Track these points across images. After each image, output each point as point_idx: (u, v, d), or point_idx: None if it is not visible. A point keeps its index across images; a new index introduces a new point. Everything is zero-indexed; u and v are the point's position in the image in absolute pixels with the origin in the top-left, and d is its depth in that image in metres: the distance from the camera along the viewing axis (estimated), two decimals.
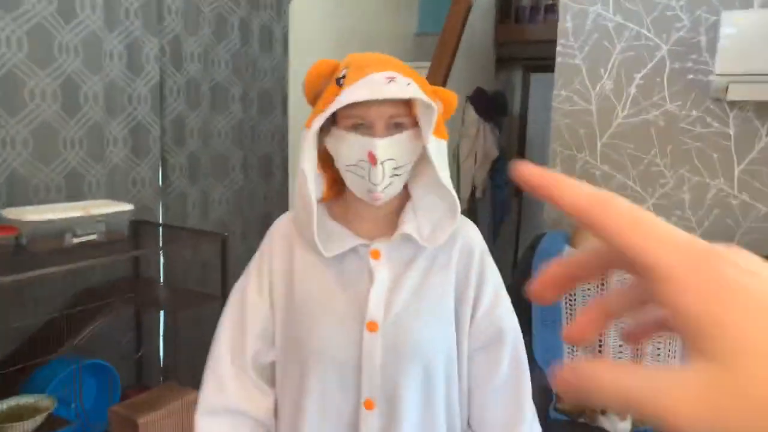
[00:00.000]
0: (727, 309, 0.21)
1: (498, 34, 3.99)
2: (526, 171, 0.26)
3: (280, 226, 0.97)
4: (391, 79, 0.80)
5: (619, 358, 1.89)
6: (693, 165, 2.10)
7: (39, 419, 1.46)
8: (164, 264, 2.17)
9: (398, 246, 0.91)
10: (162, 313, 2.16)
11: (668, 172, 2.14)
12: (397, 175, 0.85)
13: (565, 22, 2.24)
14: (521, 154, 4.69)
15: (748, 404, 0.20)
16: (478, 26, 3.67)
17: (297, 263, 0.92)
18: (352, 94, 0.79)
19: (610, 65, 2.18)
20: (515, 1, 3.99)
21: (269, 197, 2.70)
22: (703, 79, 2.05)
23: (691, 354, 0.22)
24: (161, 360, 2.20)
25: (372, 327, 0.87)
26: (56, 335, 1.59)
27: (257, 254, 0.98)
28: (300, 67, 2.74)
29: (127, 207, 1.72)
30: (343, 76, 0.83)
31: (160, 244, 2.04)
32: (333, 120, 0.86)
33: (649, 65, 2.13)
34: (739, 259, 0.23)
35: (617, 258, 0.25)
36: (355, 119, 0.83)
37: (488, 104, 3.64)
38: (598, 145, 2.24)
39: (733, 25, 1.83)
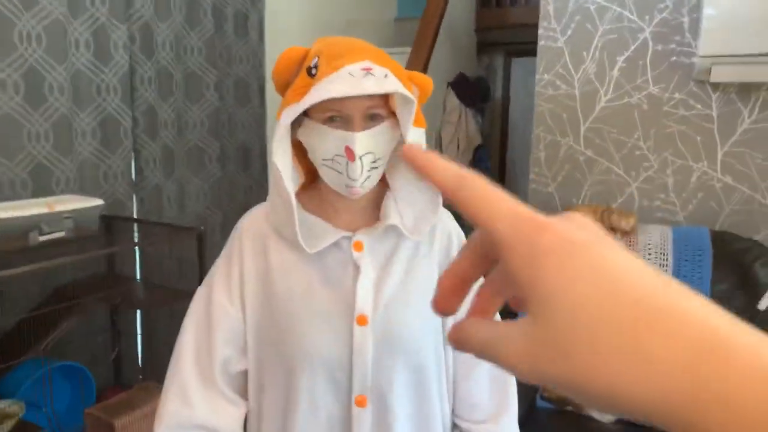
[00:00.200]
0: (542, 271, 0.24)
1: (479, 18, 3.94)
2: (410, 152, 0.29)
3: (249, 224, 0.91)
4: (368, 71, 0.75)
5: None
6: (676, 148, 2.08)
7: (7, 425, 1.40)
8: (140, 260, 2.10)
9: (380, 237, 0.87)
10: (138, 311, 2.10)
11: (652, 156, 2.12)
12: (375, 168, 0.81)
13: (547, 5, 2.20)
14: (504, 140, 4.66)
15: (556, 353, 0.23)
16: (459, 10, 3.61)
17: (274, 262, 0.87)
18: (327, 89, 0.74)
19: (592, 48, 2.15)
20: None
21: (248, 189, 2.63)
22: (686, 61, 2.02)
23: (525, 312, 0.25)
24: (139, 359, 2.14)
25: (362, 321, 0.83)
26: (25, 337, 1.53)
27: (223, 257, 0.91)
28: (277, 54, 2.66)
29: (97, 202, 1.65)
30: (315, 66, 0.78)
31: (135, 240, 1.97)
32: (305, 111, 0.80)
33: (632, 47, 2.10)
34: (561, 225, 0.24)
35: (488, 241, 0.27)
36: (330, 112, 0.78)
37: (470, 90, 3.60)
38: (582, 129, 2.21)
39: (715, 5, 1.80)
